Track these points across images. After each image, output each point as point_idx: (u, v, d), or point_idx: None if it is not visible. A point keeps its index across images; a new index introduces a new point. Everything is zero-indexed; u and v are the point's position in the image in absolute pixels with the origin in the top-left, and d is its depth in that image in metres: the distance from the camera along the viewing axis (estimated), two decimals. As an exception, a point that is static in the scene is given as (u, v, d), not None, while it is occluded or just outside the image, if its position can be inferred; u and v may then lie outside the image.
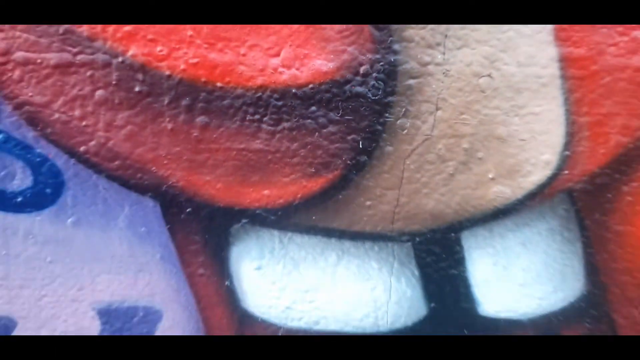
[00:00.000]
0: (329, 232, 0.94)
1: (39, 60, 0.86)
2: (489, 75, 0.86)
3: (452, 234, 0.93)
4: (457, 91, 0.87)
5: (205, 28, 0.86)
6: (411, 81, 0.87)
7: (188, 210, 0.92)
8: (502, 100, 0.87)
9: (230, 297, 0.96)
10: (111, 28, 0.85)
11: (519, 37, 0.86)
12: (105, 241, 0.93)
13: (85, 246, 0.93)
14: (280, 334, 0.96)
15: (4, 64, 0.86)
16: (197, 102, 0.87)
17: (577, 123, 0.89)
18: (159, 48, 0.86)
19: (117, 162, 0.89)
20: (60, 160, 0.90)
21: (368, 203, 0.92)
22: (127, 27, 0.85)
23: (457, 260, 0.94)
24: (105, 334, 0.95)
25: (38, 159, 0.90)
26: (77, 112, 0.88)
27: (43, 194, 0.91)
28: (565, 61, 0.87)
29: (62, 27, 0.85)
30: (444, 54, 0.86)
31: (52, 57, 0.86)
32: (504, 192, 0.91)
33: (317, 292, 0.96)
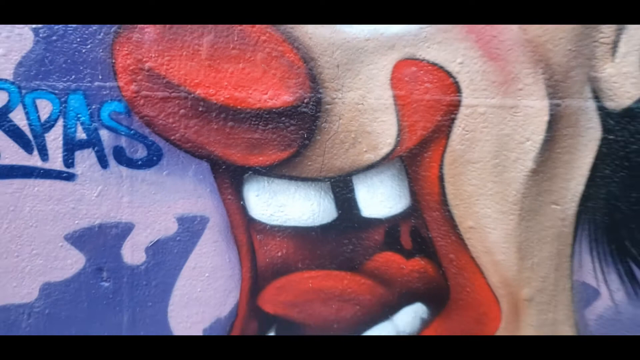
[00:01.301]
0: (291, 178, 1.93)
1: (152, 95, 1.79)
2: (362, 104, 1.90)
3: (348, 177, 1.96)
4: (348, 111, 1.90)
5: (233, 81, 1.83)
6: (327, 106, 1.89)
7: (223, 167, 1.88)
8: (369, 115, 1.91)
9: (243, 210, 1.93)
10: (188, 81, 1.80)
11: (375, 86, 1.90)
12: (182, 183, 1.86)
13: (172, 186, 1.86)
14: (267, 229, 1.94)
15: (136, 97, 1.78)
16: (228, 115, 1.84)
17: (402, 125, 1.94)
18: (211, 90, 1.81)
19: (189, 144, 1.84)
20: (161, 143, 1.82)
21: (309, 163, 1.92)
22: (196, 80, 1.80)
23: (350, 189, 1.96)
24: (180, 231, 1.88)
25: (150, 142, 1.82)
26: (170, 120, 1.81)
27: (152, 160, 1.83)
28: (396, 97, 1.92)
29: (165, 79, 1.79)
30: (342, 94, 1.89)
31: (160, 94, 1.79)
32: (371, 157, 1.94)
33: (285, 207, 1.95)
